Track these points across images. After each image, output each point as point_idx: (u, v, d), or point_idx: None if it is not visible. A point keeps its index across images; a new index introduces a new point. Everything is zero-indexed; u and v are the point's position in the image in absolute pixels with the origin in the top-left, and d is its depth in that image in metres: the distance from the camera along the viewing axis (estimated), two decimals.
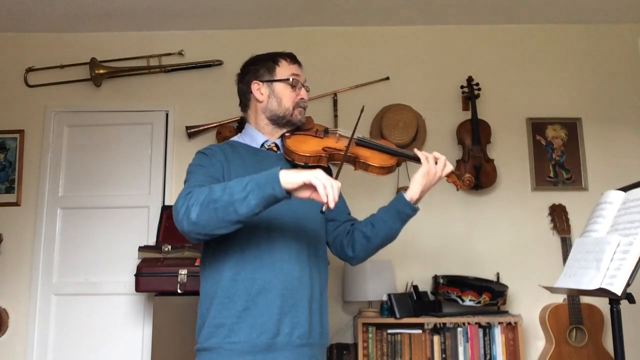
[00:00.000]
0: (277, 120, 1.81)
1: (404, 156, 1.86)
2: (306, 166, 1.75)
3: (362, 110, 1.83)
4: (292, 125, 1.82)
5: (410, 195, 1.75)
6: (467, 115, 3.38)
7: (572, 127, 3.42)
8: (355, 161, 1.80)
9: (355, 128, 1.79)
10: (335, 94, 3.45)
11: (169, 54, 3.53)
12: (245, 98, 1.86)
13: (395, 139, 3.31)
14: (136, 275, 2.86)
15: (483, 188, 3.30)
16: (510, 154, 3.40)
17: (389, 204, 1.81)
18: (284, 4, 3.28)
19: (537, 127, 3.43)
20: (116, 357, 3.23)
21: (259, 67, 1.82)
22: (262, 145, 1.82)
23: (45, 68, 3.54)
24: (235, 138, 1.88)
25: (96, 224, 3.38)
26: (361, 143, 1.85)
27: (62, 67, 3.53)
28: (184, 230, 1.51)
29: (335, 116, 3.41)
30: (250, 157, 1.76)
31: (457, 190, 1.90)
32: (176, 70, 3.50)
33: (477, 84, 3.39)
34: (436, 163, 1.77)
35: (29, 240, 3.37)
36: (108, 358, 3.23)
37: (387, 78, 3.49)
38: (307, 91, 1.86)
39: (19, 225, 3.39)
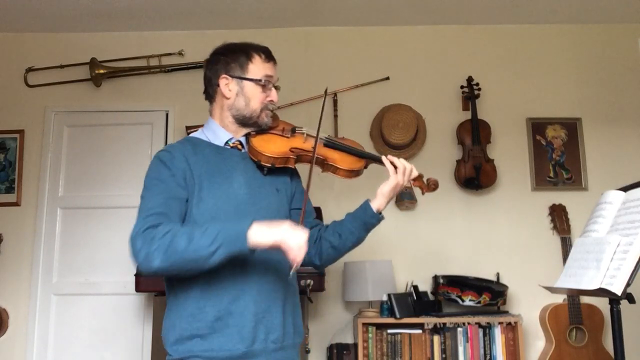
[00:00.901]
0: (243, 121, 1.71)
1: (371, 159, 1.82)
2: (273, 167, 1.70)
3: (324, 102, 1.78)
4: (258, 127, 1.72)
5: (377, 206, 1.72)
6: (467, 115, 3.38)
7: (572, 127, 3.42)
8: (323, 163, 1.76)
9: (319, 126, 1.73)
10: (335, 94, 3.44)
11: (169, 54, 3.53)
12: (211, 89, 1.76)
13: (395, 139, 3.31)
14: (136, 275, 2.86)
15: (483, 188, 3.30)
16: (510, 154, 3.40)
17: (355, 213, 1.76)
18: (284, 4, 3.28)
19: (537, 127, 3.43)
20: (116, 357, 3.23)
21: (230, 60, 1.72)
22: (226, 143, 1.73)
23: (45, 68, 3.54)
24: (196, 134, 1.78)
25: (96, 224, 3.38)
26: (329, 144, 1.79)
27: (62, 67, 3.53)
28: (142, 271, 1.48)
29: (335, 116, 3.41)
30: (214, 156, 1.67)
31: (423, 194, 1.85)
32: (176, 70, 3.50)
33: (477, 84, 3.39)
34: (404, 173, 1.73)
35: (29, 240, 3.37)
36: (108, 358, 3.23)
37: (387, 78, 3.49)
38: (278, 91, 1.75)
39: (19, 225, 3.39)
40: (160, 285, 2.80)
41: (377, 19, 3.49)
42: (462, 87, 3.41)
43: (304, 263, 1.83)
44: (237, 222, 1.46)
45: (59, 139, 3.49)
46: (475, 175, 3.25)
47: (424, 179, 1.81)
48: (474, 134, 3.31)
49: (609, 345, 2.96)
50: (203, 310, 1.53)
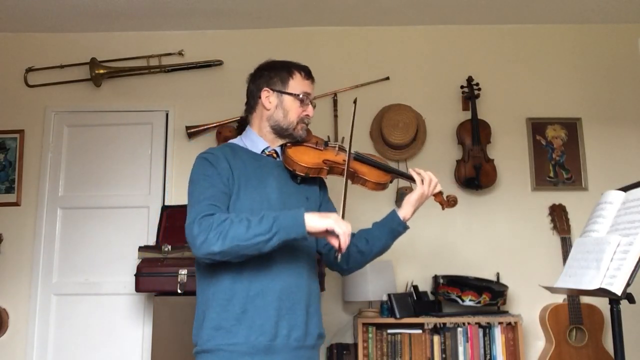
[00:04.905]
0: (280, 132, 1.84)
1: (398, 174, 1.98)
2: (307, 177, 1.82)
3: (353, 119, 1.86)
4: (293, 138, 1.85)
5: (404, 214, 1.87)
6: (467, 115, 3.38)
7: (572, 127, 3.42)
8: (353, 176, 1.88)
9: (350, 141, 1.85)
10: (335, 94, 3.44)
11: (169, 54, 3.53)
12: (253, 100, 1.87)
13: (395, 139, 3.31)
14: (136, 275, 2.86)
15: (483, 188, 3.30)
16: (510, 154, 3.40)
17: (382, 220, 1.90)
18: (284, 4, 3.28)
19: (537, 127, 3.43)
20: (116, 357, 3.23)
21: (273, 75, 1.83)
22: (263, 151, 1.84)
23: (45, 68, 3.54)
24: (234, 141, 1.89)
25: (96, 224, 3.38)
26: (359, 158, 1.92)
27: (62, 67, 3.53)
28: (199, 256, 1.59)
29: (335, 116, 3.41)
30: (251, 161, 1.79)
31: (443, 209, 2.01)
32: (176, 70, 3.50)
33: (477, 84, 3.39)
34: (429, 184, 1.88)
35: (29, 240, 3.37)
36: (108, 358, 3.23)
37: (387, 78, 3.49)
38: (314, 107, 1.89)
39: (19, 225, 3.39)
40: (160, 285, 2.83)
41: (377, 19, 3.49)
42: (462, 87, 3.41)
43: (331, 267, 1.96)
44: (290, 211, 1.59)
45: (59, 139, 3.49)
46: (475, 175, 3.25)
47: (444, 196, 1.97)
48: (474, 134, 3.31)
49: (609, 345, 2.96)
50: (230, 302, 1.63)
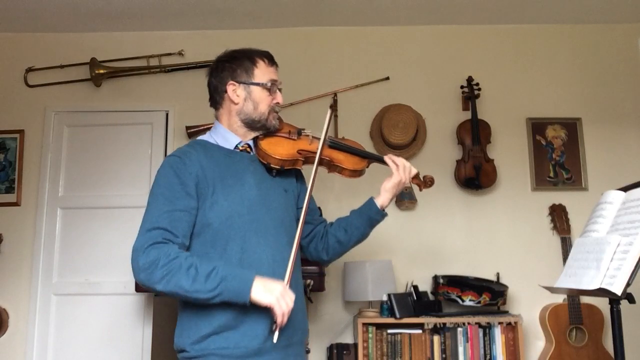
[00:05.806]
0: (251, 124, 1.75)
1: (374, 159, 1.93)
2: (282, 169, 1.77)
3: (330, 114, 1.84)
4: (266, 129, 1.77)
5: (382, 202, 1.85)
6: (467, 115, 3.38)
7: (572, 127, 3.42)
8: (329, 164, 1.84)
9: (326, 131, 1.81)
10: (335, 94, 3.44)
11: (169, 54, 3.53)
12: (218, 96, 1.79)
13: (395, 139, 3.31)
14: None
15: (483, 188, 3.30)
16: (510, 154, 3.40)
17: (360, 209, 1.87)
18: (284, 4, 3.28)
19: (537, 127, 3.43)
20: (116, 357, 3.23)
21: (236, 66, 1.75)
22: (236, 146, 1.77)
23: (45, 68, 3.54)
24: (204, 137, 1.81)
25: (96, 224, 3.38)
26: (333, 145, 1.87)
27: (62, 67, 3.53)
28: (140, 284, 1.57)
29: (336, 116, 3.41)
30: (224, 159, 1.71)
31: (420, 190, 1.98)
32: (176, 70, 3.51)
33: (477, 84, 3.39)
34: (404, 170, 1.85)
35: (29, 240, 3.37)
36: (108, 358, 3.23)
37: (387, 78, 3.49)
38: (281, 92, 1.81)
39: (19, 225, 3.39)
40: None
41: (377, 19, 3.49)
42: (462, 87, 3.41)
43: (311, 261, 1.95)
44: (241, 273, 1.53)
45: (59, 139, 3.49)
46: (475, 175, 3.25)
47: (421, 176, 1.93)
48: (474, 134, 3.31)
49: (609, 345, 2.96)
50: (220, 307, 1.57)
